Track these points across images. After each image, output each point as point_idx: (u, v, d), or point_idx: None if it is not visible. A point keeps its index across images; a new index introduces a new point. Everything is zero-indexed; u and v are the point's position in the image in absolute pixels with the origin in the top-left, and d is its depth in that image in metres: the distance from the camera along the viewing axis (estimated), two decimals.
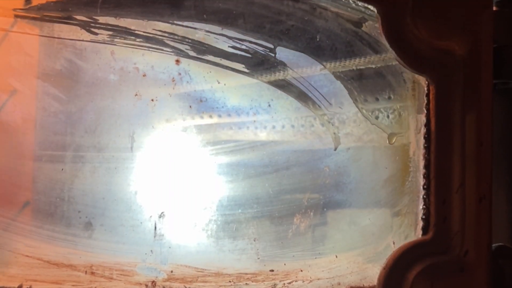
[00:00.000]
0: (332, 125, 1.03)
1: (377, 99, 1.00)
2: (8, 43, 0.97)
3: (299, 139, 1.04)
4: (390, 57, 0.93)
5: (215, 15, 0.94)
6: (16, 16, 0.96)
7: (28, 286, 0.72)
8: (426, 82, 0.90)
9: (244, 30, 0.96)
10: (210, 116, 1.03)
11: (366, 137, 1.02)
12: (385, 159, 0.97)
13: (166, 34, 0.95)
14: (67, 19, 0.94)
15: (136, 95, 0.95)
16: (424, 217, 0.88)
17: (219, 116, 1.03)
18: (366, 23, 0.93)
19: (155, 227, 0.90)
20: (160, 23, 0.94)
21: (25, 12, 0.96)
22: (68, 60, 0.96)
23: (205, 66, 0.98)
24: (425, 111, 0.90)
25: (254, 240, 0.98)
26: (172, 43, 0.95)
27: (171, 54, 0.96)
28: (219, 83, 1.00)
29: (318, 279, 0.91)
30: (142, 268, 0.86)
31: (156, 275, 0.83)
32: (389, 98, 1.00)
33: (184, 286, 0.79)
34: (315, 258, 0.96)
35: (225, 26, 0.95)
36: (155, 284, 0.78)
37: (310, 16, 0.96)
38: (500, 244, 0.94)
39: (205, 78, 0.99)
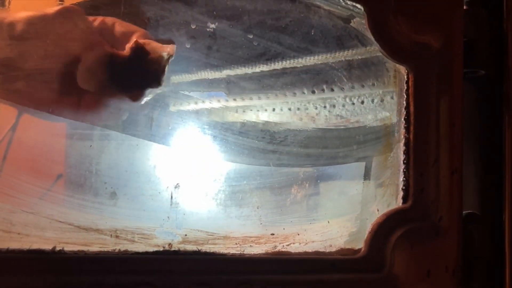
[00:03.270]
0: (324, 108, 1.02)
1: (362, 86, 1.00)
2: None
3: (295, 120, 1.04)
4: (374, 49, 0.91)
5: (223, 12, 0.93)
6: None
7: (61, 248, 0.70)
8: (406, 71, 0.89)
9: (248, 25, 0.95)
10: (219, 101, 1.02)
11: (353, 119, 1.01)
12: (372, 138, 0.97)
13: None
14: None
15: None
16: (404, 187, 0.87)
17: (226, 100, 1.03)
18: (354, 20, 0.92)
19: (171, 197, 0.89)
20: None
21: None
22: None
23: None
24: (405, 96, 0.88)
25: (257, 208, 0.97)
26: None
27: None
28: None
29: (313, 241, 0.89)
30: (160, 232, 0.85)
31: (172, 238, 0.82)
32: (373, 85, 0.99)
33: (197, 247, 0.77)
34: (310, 223, 0.96)
35: (232, 21, 0.94)
36: (171, 246, 0.77)
37: (306, 13, 0.96)
38: (470, 211, 0.93)
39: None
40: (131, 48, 0.82)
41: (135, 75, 0.82)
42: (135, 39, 0.83)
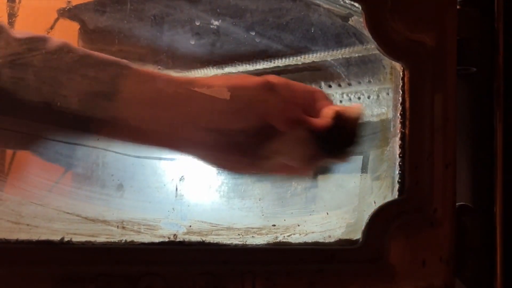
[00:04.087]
0: None
1: (359, 83, 1.00)
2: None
3: None
4: (371, 47, 0.90)
5: (227, 10, 0.92)
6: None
7: (69, 239, 0.69)
8: (402, 68, 0.88)
9: (251, 23, 0.94)
10: None
11: None
12: (368, 132, 0.96)
13: None
14: None
15: None
16: (399, 180, 0.86)
17: None
18: (352, 18, 0.92)
19: (176, 189, 0.88)
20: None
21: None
22: None
23: None
24: (401, 92, 0.88)
25: (259, 200, 0.97)
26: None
27: None
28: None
29: (313, 232, 0.89)
30: (165, 223, 0.84)
31: (177, 229, 0.81)
32: (370, 81, 0.99)
33: (201, 238, 0.77)
34: (310, 215, 0.96)
35: (235, 19, 0.93)
36: (176, 236, 0.76)
37: (306, 12, 0.95)
38: (463, 203, 0.93)
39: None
40: (333, 119, 0.81)
41: (338, 141, 0.83)
42: (330, 108, 0.83)
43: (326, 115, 0.82)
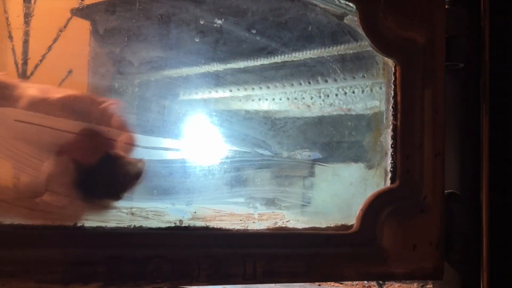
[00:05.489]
0: (319, 97, 1.00)
1: (354, 78, 0.99)
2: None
3: (293, 108, 1.02)
4: (365, 44, 0.90)
5: (229, 10, 0.91)
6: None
7: (81, 224, 0.68)
8: (394, 64, 0.87)
9: (252, 22, 0.93)
10: (223, 91, 1.00)
11: (345, 107, 0.99)
12: (362, 124, 0.95)
13: None
14: None
15: None
16: (391, 169, 0.85)
17: (230, 91, 1.01)
18: (347, 17, 0.91)
19: (182, 177, 0.87)
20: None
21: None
22: None
23: None
24: (393, 86, 0.87)
25: (260, 187, 0.96)
26: None
27: None
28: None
29: (310, 218, 0.88)
30: (171, 209, 0.83)
31: (183, 215, 0.80)
32: (363, 76, 0.98)
33: (205, 224, 0.75)
34: (308, 201, 0.94)
35: (237, 18, 0.92)
36: (182, 222, 0.75)
37: (303, 11, 0.94)
38: (451, 191, 0.92)
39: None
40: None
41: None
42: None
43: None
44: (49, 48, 0.91)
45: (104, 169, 0.73)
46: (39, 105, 0.72)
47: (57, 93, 0.73)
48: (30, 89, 0.72)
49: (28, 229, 0.67)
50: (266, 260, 0.75)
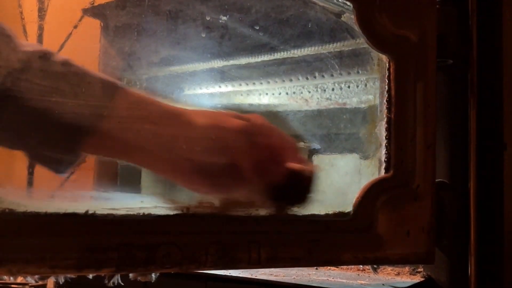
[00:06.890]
0: (316, 92, 0.98)
1: (349, 73, 0.97)
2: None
3: (292, 102, 1.00)
4: (361, 41, 0.88)
5: (234, 6, 0.88)
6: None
7: (93, 211, 0.65)
8: (388, 60, 0.85)
9: (255, 18, 0.91)
10: (226, 86, 0.98)
11: (341, 101, 0.98)
12: (357, 117, 0.93)
13: None
14: None
15: None
16: (386, 160, 0.84)
17: (233, 85, 0.99)
18: (345, 15, 0.89)
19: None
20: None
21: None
22: None
23: None
24: (387, 81, 0.85)
25: None
26: None
27: None
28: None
29: (309, 205, 0.86)
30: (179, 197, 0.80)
31: (190, 203, 0.78)
32: (358, 72, 0.96)
33: (211, 211, 0.73)
34: None
35: (241, 15, 0.90)
36: (189, 209, 0.72)
37: (304, 9, 0.92)
38: (441, 180, 0.90)
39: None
40: (289, 177, 0.75)
41: (291, 196, 0.77)
42: (291, 165, 0.76)
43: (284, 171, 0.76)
44: (61, 46, 0.88)
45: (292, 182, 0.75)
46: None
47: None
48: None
49: (42, 216, 0.65)
50: (270, 246, 0.73)
